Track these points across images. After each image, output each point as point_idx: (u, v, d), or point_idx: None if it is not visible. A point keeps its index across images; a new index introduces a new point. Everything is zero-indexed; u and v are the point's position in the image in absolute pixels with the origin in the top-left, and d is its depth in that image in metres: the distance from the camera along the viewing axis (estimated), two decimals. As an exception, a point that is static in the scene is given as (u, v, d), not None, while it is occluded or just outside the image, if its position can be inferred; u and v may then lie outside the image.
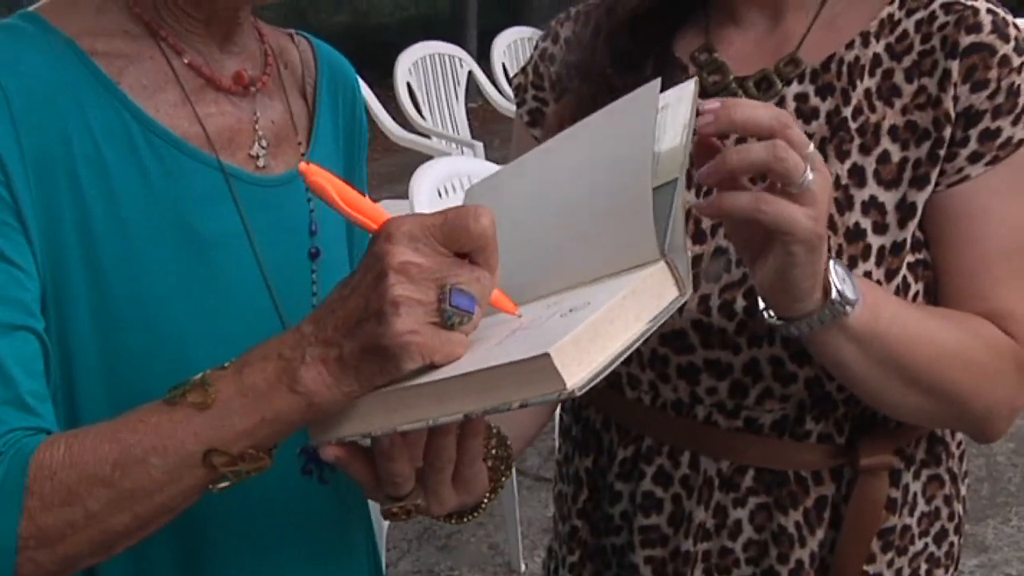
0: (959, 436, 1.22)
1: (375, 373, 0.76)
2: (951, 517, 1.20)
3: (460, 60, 5.94)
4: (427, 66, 5.73)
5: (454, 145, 5.35)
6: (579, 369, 0.69)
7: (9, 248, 0.86)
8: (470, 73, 5.99)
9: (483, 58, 6.40)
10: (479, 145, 5.29)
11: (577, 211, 0.86)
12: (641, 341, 0.73)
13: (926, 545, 1.18)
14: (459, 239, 0.75)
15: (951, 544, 1.21)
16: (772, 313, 0.98)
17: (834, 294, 0.93)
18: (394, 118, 5.25)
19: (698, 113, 0.85)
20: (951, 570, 1.23)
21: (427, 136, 5.33)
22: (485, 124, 7.14)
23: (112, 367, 0.93)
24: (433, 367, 0.75)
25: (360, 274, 0.76)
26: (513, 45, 6.42)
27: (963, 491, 1.23)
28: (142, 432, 0.79)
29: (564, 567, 1.30)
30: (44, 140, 0.89)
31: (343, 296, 0.77)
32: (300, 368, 0.77)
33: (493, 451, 1.00)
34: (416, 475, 0.87)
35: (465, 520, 1.00)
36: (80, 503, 0.79)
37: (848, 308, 0.94)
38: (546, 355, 0.67)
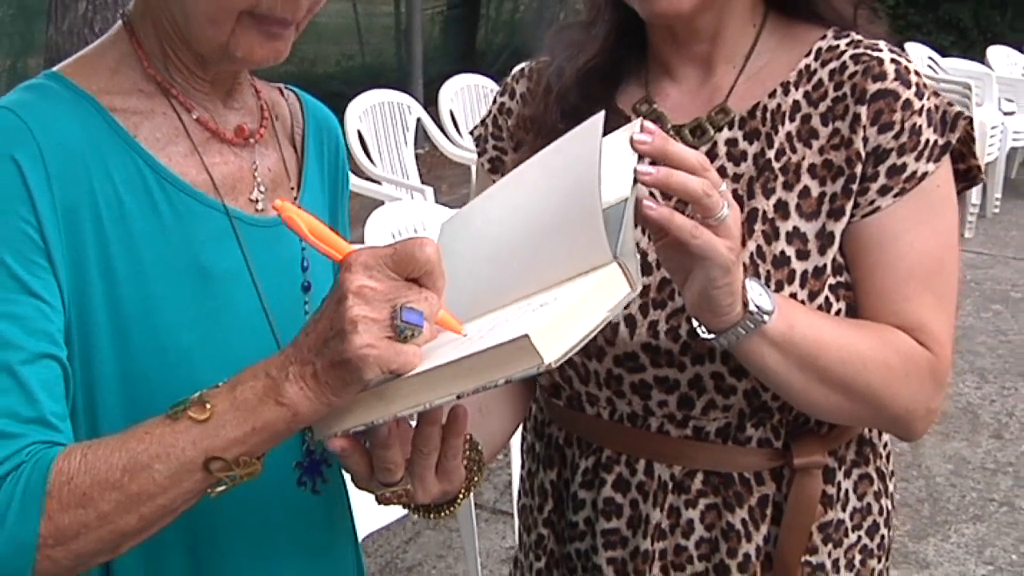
0: (886, 438, 1.36)
1: (344, 384, 0.87)
2: (881, 512, 1.34)
3: (408, 107, 6.06)
4: (376, 113, 5.84)
5: (404, 190, 5.45)
6: (553, 347, 0.81)
7: (38, 285, 0.97)
8: (418, 120, 6.10)
9: (429, 105, 6.49)
10: (429, 190, 5.39)
11: (538, 229, 0.98)
12: (600, 327, 0.86)
13: (859, 538, 1.31)
14: (408, 266, 0.87)
15: (882, 537, 1.34)
16: (704, 329, 1.11)
17: (751, 307, 1.07)
18: (345, 165, 5.32)
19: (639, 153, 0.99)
20: (884, 560, 1.36)
21: (378, 182, 5.44)
22: (433, 169, 7.23)
23: (129, 389, 1.03)
24: (392, 375, 0.86)
25: (327, 301, 0.88)
26: (461, 92, 6.55)
27: (891, 488, 1.36)
28: (148, 442, 0.91)
29: (531, 573, 1.41)
30: (73, 190, 1.00)
31: (315, 320, 0.89)
32: (284, 384, 0.89)
33: (467, 453, 1.11)
34: (405, 466, 0.98)
35: (443, 514, 1.11)
36: (93, 505, 0.90)
37: (765, 317, 1.08)
38: (525, 336, 0.80)
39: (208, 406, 0.90)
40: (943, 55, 8.54)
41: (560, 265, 0.93)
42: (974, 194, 7.02)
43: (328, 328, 0.86)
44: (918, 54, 7.98)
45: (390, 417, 0.90)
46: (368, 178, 5.44)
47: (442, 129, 6.28)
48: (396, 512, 2.75)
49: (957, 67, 8.11)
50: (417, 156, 6.16)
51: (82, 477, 0.90)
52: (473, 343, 0.86)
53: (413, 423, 0.97)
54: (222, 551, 1.11)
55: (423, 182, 5.79)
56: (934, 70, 7.83)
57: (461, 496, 1.10)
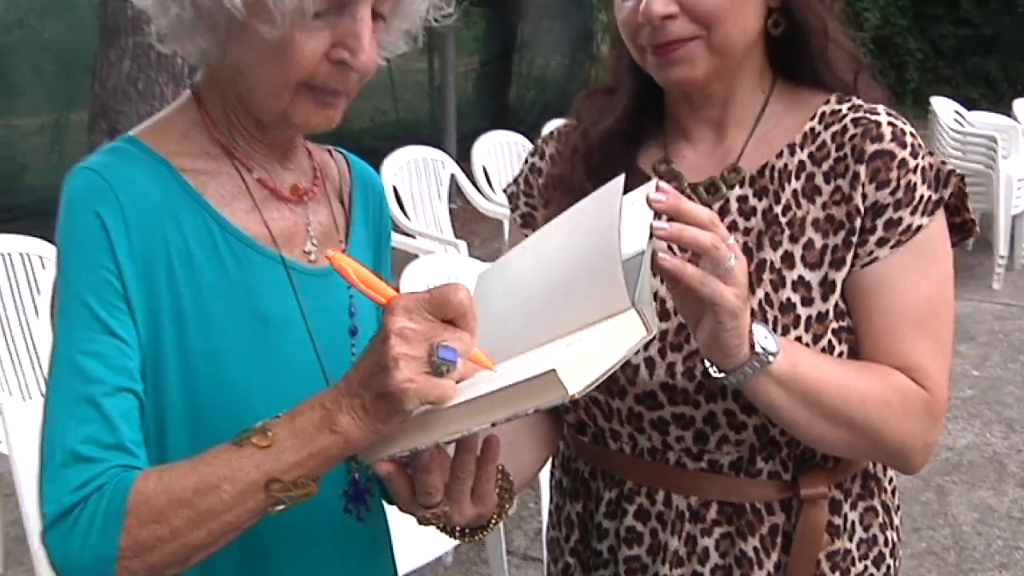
0: (891, 473, 1.44)
1: (389, 414, 0.99)
2: (887, 543, 1.42)
3: (442, 163, 6.19)
4: (411, 169, 5.97)
5: (438, 244, 5.56)
6: (576, 381, 0.91)
7: (118, 326, 1.09)
8: (452, 175, 6.23)
9: (462, 160, 6.61)
10: (462, 244, 5.48)
11: (565, 279, 1.08)
12: (619, 366, 0.96)
13: (866, 567, 1.39)
14: (443, 309, 0.98)
15: (888, 567, 1.42)
16: (715, 368, 1.20)
17: (758, 348, 1.16)
18: (380, 219, 5.42)
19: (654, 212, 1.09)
20: (889, 590, 1.44)
21: (413, 236, 5.56)
22: (466, 224, 7.33)
23: (195, 422, 1.15)
24: (431, 406, 0.97)
25: (372, 341, 1.00)
26: (494, 148, 6.67)
27: (896, 521, 1.44)
28: (216, 465, 1.02)
29: (558, 602, 1.50)
30: (149, 243, 1.12)
31: (363, 358, 1.00)
32: (338, 415, 1.00)
33: (499, 481, 1.20)
34: (444, 490, 1.08)
35: (476, 537, 1.21)
36: (167, 521, 1.01)
37: (771, 358, 1.17)
38: (553, 370, 0.90)
39: (270, 434, 1.02)
40: (971, 108, 8.59)
41: (584, 311, 1.03)
42: (1001, 246, 7.05)
43: (374, 365, 0.98)
44: (945, 108, 8.04)
45: (431, 444, 1.00)
46: (403, 232, 5.55)
47: (475, 184, 6.40)
48: (426, 556, 2.84)
49: (983, 120, 8.15)
50: (451, 211, 6.28)
51: (158, 497, 1.01)
52: (505, 377, 0.97)
53: (451, 451, 1.08)
54: (275, 570, 1.21)
55: (456, 236, 5.89)
56: (960, 123, 7.89)
57: (493, 520, 1.20)
